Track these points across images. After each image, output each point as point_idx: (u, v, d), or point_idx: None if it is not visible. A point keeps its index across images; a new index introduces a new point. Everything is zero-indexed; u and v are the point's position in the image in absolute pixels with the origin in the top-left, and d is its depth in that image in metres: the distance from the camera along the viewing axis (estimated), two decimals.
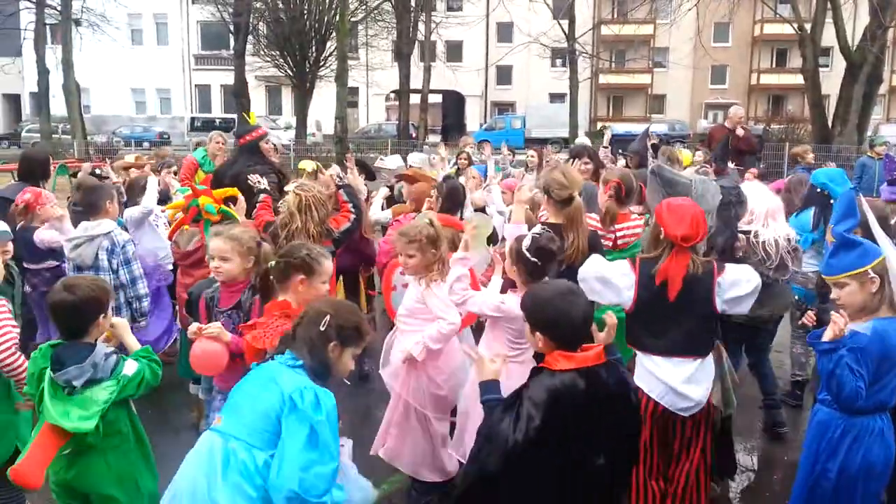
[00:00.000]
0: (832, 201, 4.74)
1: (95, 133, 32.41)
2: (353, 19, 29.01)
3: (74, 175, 9.02)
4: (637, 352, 3.42)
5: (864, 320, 2.95)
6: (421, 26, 30.69)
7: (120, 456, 2.94)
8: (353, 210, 5.01)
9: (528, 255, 3.36)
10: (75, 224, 5.04)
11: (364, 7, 30.29)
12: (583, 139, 12.26)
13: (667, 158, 6.58)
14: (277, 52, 30.45)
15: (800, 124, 27.26)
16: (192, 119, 37.05)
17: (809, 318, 3.59)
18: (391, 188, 7.10)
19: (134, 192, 5.98)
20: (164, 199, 6.32)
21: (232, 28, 29.08)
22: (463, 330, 4.10)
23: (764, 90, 44.58)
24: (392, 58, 34.77)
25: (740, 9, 25.83)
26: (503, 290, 3.66)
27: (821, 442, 3.06)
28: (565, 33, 30.38)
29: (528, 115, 38.32)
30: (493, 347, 3.43)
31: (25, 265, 5.13)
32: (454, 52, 40.40)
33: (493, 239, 5.13)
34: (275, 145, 7.09)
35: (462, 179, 6.78)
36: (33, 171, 6.18)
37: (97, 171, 7.84)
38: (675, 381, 3.28)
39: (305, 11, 29.46)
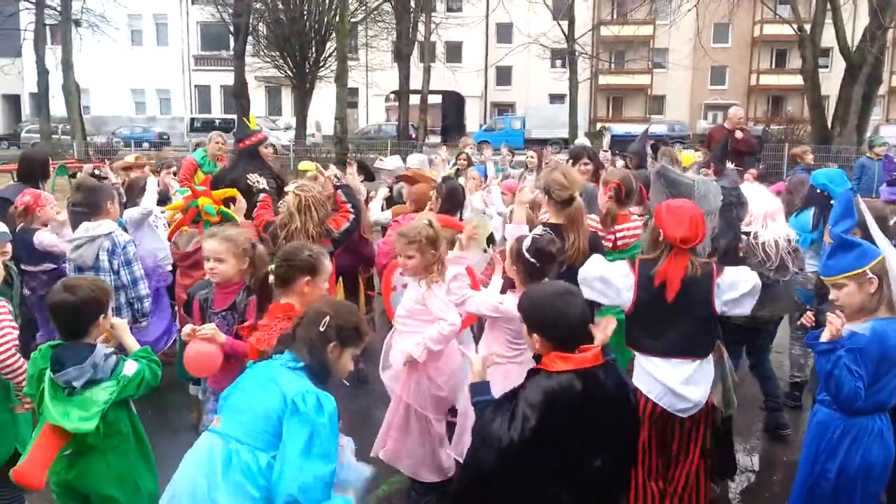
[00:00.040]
0: (832, 202, 4.74)
1: (95, 134, 32.40)
2: (352, 20, 29.00)
3: (74, 176, 9.04)
4: (636, 353, 3.42)
5: (862, 321, 2.95)
6: (421, 27, 30.68)
7: (120, 456, 2.94)
8: (351, 210, 5.01)
9: (527, 255, 3.36)
10: (75, 225, 5.05)
11: (364, 8, 30.29)
12: (582, 140, 12.25)
13: (667, 159, 6.59)
14: (277, 53, 30.42)
15: (799, 125, 27.23)
16: (192, 120, 37.04)
17: (808, 318, 3.59)
18: (391, 189, 7.10)
19: (133, 192, 5.99)
20: (163, 199, 6.33)
21: (232, 29, 29.04)
22: (463, 331, 4.10)
23: (763, 91, 44.58)
24: (392, 58, 34.75)
25: (740, 9, 25.81)
26: (503, 291, 3.67)
27: (820, 442, 3.06)
28: (565, 34, 30.37)
29: (527, 115, 38.32)
30: (492, 348, 3.43)
31: (23, 267, 5.12)
32: (454, 52, 40.40)
33: (491, 240, 5.14)
34: (274, 146, 7.10)
35: (462, 180, 6.78)
36: (33, 171, 6.18)
37: (96, 172, 7.85)
38: (673, 382, 3.28)
39: (305, 12, 29.44)
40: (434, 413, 3.91)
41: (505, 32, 41.67)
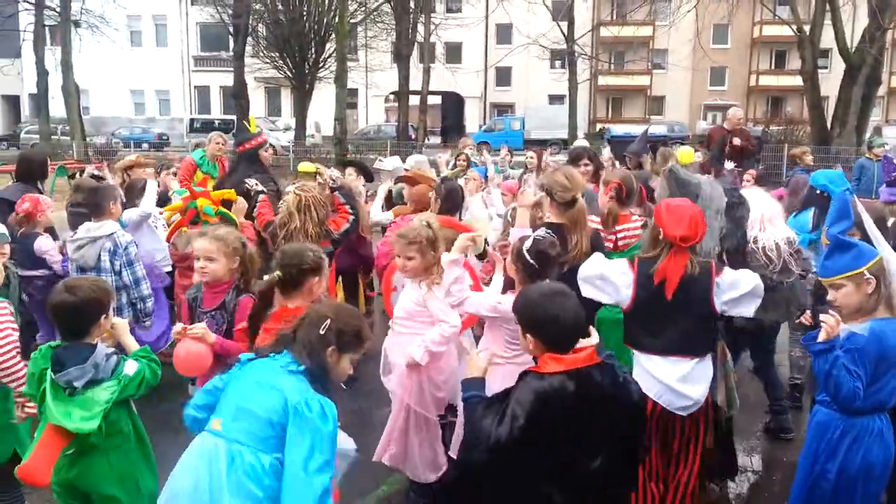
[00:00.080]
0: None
1: (94, 134, 32.37)
2: (352, 21, 29.01)
3: (73, 176, 9.03)
4: (634, 351, 3.42)
5: (860, 321, 2.96)
6: (420, 28, 30.69)
7: (121, 456, 2.94)
8: (350, 212, 5.02)
9: (527, 256, 3.37)
10: (76, 225, 5.06)
11: (363, 9, 30.30)
12: (581, 142, 12.25)
13: (664, 159, 6.61)
14: (277, 54, 30.45)
15: (799, 126, 27.25)
16: (192, 120, 37.05)
17: (806, 317, 3.59)
18: (390, 190, 7.10)
19: (132, 193, 5.99)
20: (164, 200, 6.33)
21: (231, 29, 29.05)
22: (464, 331, 4.11)
23: (763, 92, 44.62)
24: (391, 59, 34.77)
25: (739, 10, 25.82)
26: (504, 290, 3.67)
27: (820, 442, 3.06)
28: (564, 35, 30.39)
29: (527, 116, 38.35)
30: (490, 348, 3.42)
31: (22, 273, 5.14)
32: (453, 53, 40.41)
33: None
34: (273, 147, 7.10)
35: (461, 181, 6.78)
36: (32, 172, 6.18)
37: (95, 173, 7.85)
38: (671, 379, 3.28)
39: (305, 13, 29.46)
40: (433, 413, 3.91)
41: (504, 33, 41.71)
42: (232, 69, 29.02)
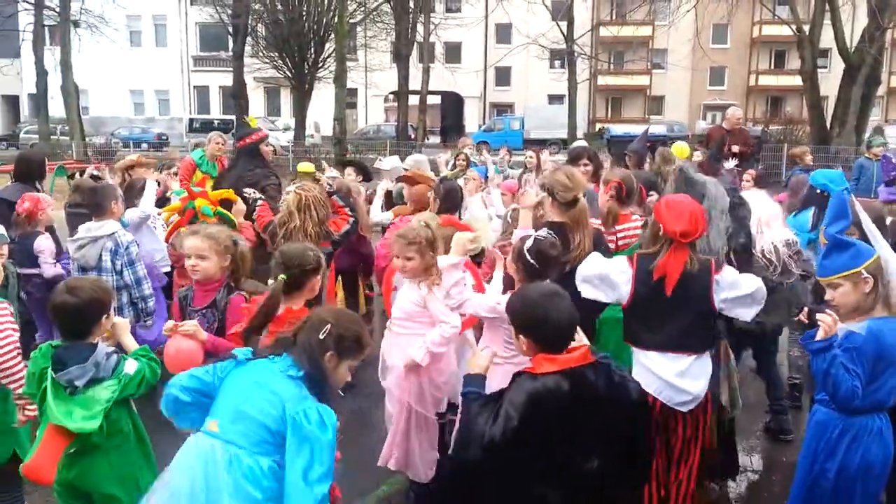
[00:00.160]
0: None
1: (94, 134, 32.38)
2: (351, 21, 29.02)
3: (72, 176, 9.02)
4: (633, 348, 3.42)
5: (858, 320, 2.96)
6: (420, 27, 30.69)
7: (121, 455, 2.94)
8: (350, 214, 5.03)
9: (528, 256, 3.37)
10: (74, 225, 5.06)
11: (363, 8, 30.31)
12: (579, 142, 12.26)
13: (663, 159, 6.61)
14: (276, 54, 30.45)
15: (798, 125, 27.26)
16: (191, 120, 37.07)
17: (804, 315, 3.59)
18: (390, 191, 7.10)
19: (132, 193, 5.99)
20: (164, 200, 6.32)
21: (230, 29, 29.06)
22: (465, 331, 4.12)
23: (762, 91, 44.62)
24: (391, 59, 34.76)
25: (739, 10, 25.82)
26: (505, 290, 3.67)
27: (819, 442, 3.06)
28: (564, 35, 30.42)
29: (526, 116, 38.37)
30: (490, 348, 3.42)
31: (21, 271, 5.16)
32: (453, 53, 40.42)
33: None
34: (273, 147, 7.11)
35: (461, 181, 6.78)
36: (30, 171, 6.18)
37: (94, 173, 7.84)
38: (669, 374, 3.28)
39: (304, 13, 29.47)
40: (433, 413, 3.92)
41: (504, 33, 41.71)
42: (231, 69, 29.03)
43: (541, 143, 27.29)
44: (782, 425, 4.95)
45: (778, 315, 4.64)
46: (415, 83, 31.02)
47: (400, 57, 30.69)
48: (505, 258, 3.76)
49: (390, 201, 7.03)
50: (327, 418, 2.36)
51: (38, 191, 5.98)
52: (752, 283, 3.33)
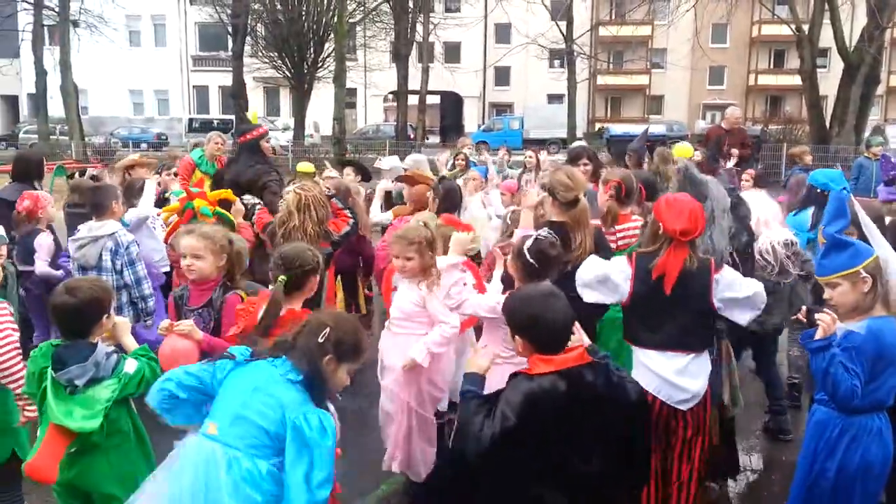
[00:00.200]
0: None
1: (93, 134, 32.38)
2: (351, 20, 29.01)
3: (71, 176, 9.02)
4: (633, 347, 3.42)
5: (857, 320, 2.96)
6: (419, 27, 30.69)
7: (121, 455, 2.94)
8: (349, 215, 5.04)
9: (527, 255, 3.37)
10: (73, 225, 5.07)
11: (362, 8, 30.31)
12: (579, 143, 12.27)
13: (661, 158, 6.61)
14: (275, 54, 30.45)
15: (798, 125, 27.28)
16: (191, 120, 37.04)
17: (802, 313, 3.59)
18: (390, 191, 7.10)
19: (131, 193, 5.99)
20: (164, 201, 6.33)
21: (230, 29, 29.05)
22: (465, 331, 4.12)
23: (762, 91, 44.64)
24: (390, 59, 34.77)
25: (738, 10, 25.82)
26: (505, 289, 3.67)
27: (819, 441, 3.06)
28: (563, 34, 30.42)
29: (526, 116, 38.36)
30: (489, 348, 3.42)
31: (21, 268, 5.20)
32: (452, 53, 40.42)
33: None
34: (273, 147, 7.11)
35: (460, 181, 6.79)
36: (28, 171, 6.18)
37: (93, 173, 7.85)
38: (668, 372, 3.28)
39: (303, 13, 29.47)
40: (431, 413, 3.92)
41: (503, 33, 41.71)
42: (231, 69, 29.02)
43: (540, 143, 27.31)
44: (781, 425, 4.95)
45: (779, 315, 4.65)
46: (414, 83, 31.02)
47: (399, 57, 30.68)
48: (505, 258, 3.76)
49: (389, 201, 7.03)
50: (327, 424, 2.36)
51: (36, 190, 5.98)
52: (751, 287, 3.32)
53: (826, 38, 22.21)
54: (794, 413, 5.24)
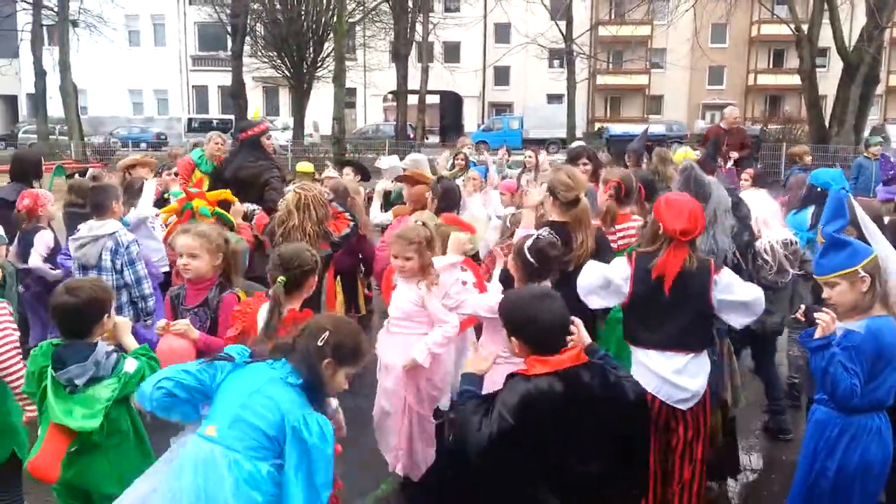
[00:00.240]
0: None
1: (92, 134, 32.37)
2: (350, 20, 29.00)
3: (71, 176, 9.03)
4: (632, 347, 3.42)
5: (856, 319, 2.96)
6: (418, 27, 30.70)
7: (121, 455, 2.94)
8: (350, 218, 5.05)
9: (527, 254, 3.37)
10: (71, 225, 5.07)
11: (362, 8, 30.29)
12: (578, 142, 12.28)
13: (660, 159, 6.62)
14: (275, 53, 30.40)
15: (797, 125, 27.29)
16: (190, 120, 37.04)
17: (800, 312, 3.59)
18: (389, 192, 7.10)
19: (130, 192, 5.99)
20: (163, 201, 6.33)
21: (229, 29, 29.03)
22: (465, 331, 4.12)
23: (761, 91, 44.65)
24: (389, 59, 34.76)
25: (737, 10, 25.84)
26: (504, 288, 3.67)
27: (819, 441, 3.07)
28: (563, 34, 30.42)
29: (525, 115, 38.37)
30: (489, 348, 3.43)
31: (22, 265, 5.22)
32: (452, 52, 40.41)
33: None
34: (273, 147, 7.11)
35: (460, 181, 6.79)
36: (26, 171, 6.19)
37: (93, 173, 7.85)
38: (667, 371, 3.28)
39: (303, 12, 29.43)
40: (429, 412, 3.92)
41: (503, 32, 41.70)
42: (230, 69, 28.99)
43: (540, 143, 27.35)
44: (781, 425, 4.96)
45: (779, 314, 4.65)
46: (413, 83, 31.02)
47: (399, 56, 30.68)
48: (506, 258, 3.76)
49: (388, 201, 7.04)
50: (326, 430, 2.37)
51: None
52: (749, 293, 3.32)
53: (825, 38, 22.22)
54: (793, 413, 5.24)
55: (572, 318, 2.80)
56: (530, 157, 9.05)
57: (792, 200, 6.09)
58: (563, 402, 2.43)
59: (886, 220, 4.68)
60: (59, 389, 2.81)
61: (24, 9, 29.04)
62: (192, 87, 46.13)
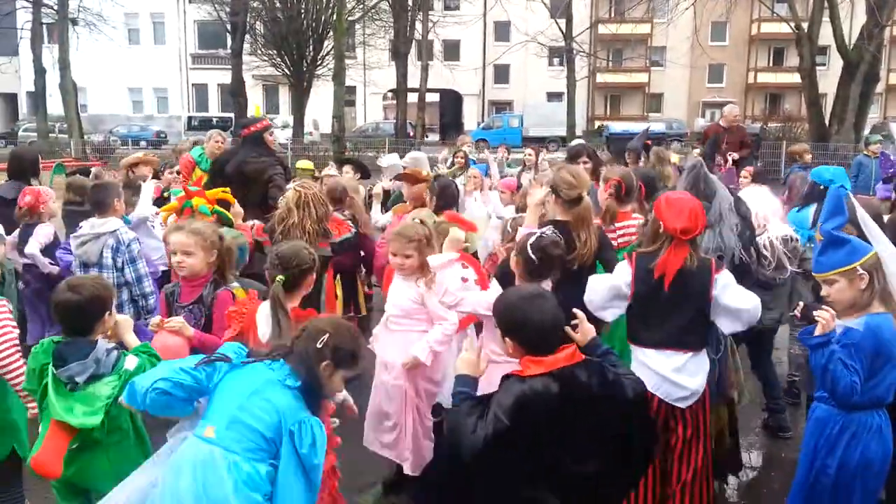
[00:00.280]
0: None
1: (92, 132, 32.36)
2: (350, 18, 28.98)
3: (72, 174, 9.03)
4: (632, 346, 3.43)
5: (855, 316, 2.96)
6: (418, 25, 30.69)
7: (121, 453, 2.94)
8: (351, 225, 5.08)
9: (529, 251, 3.37)
10: (70, 223, 5.08)
11: (361, 6, 30.28)
12: (578, 141, 12.29)
13: (658, 158, 6.63)
14: (274, 51, 30.39)
15: (797, 123, 27.32)
16: (190, 118, 37.00)
17: (798, 309, 3.60)
18: (388, 191, 7.11)
19: (131, 191, 5.99)
20: (163, 200, 6.33)
21: (229, 27, 29.04)
22: (465, 328, 4.12)
23: (761, 89, 44.63)
24: (389, 57, 34.74)
25: (737, 8, 25.84)
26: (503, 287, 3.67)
27: (819, 438, 3.07)
28: (563, 32, 30.39)
29: (525, 113, 38.36)
30: (488, 347, 3.43)
31: (23, 261, 5.25)
32: (451, 51, 40.37)
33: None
34: (275, 143, 7.11)
35: (460, 180, 6.79)
36: (24, 169, 6.19)
37: (94, 172, 7.85)
38: (666, 370, 3.28)
39: (302, 10, 29.42)
40: (428, 409, 3.92)
41: (503, 31, 41.65)
42: (230, 67, 29.01)
43: (540, 141, 27.33)
44: (780, 423, 4.96)
45: (777, 310, 4.65)
46: (413, 81, 31.00)
47: (398, 55, 30.67)
48: (507, 256, 3.77)
49: (387, 201, 7.04)
50: (319, 438, 2.39)
51: None
52: (746, 301, 3.30)
53: (825, 36, 22.23)
54: (793, 410, 5.25)
55: (575, 310, 2.81)
56: (530, 155, 9.06)
57: (792, 198, 6.09)
58: (558, 403, 2.41)
59: (886, 218, 4.68)
60: (60, 387, 2.81)
61: (23, 7, 29.04)
62: (192, 85, 46.10)
